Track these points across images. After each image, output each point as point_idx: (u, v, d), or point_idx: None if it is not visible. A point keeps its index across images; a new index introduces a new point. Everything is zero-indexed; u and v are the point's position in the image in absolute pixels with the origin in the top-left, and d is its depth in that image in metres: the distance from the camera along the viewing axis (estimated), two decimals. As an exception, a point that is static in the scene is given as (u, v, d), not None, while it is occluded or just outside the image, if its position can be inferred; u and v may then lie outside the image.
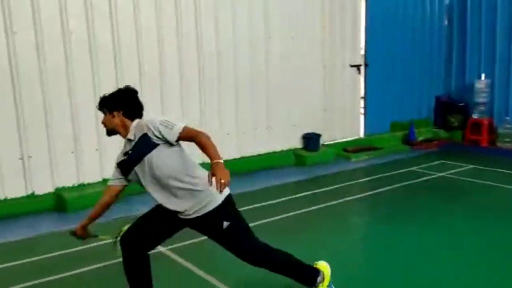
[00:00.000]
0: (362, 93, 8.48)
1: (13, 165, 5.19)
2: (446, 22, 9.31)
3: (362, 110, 8.55)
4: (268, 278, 3.14)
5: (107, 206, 2.88)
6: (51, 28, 5.23)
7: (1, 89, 5.04)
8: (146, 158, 2.59)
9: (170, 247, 3.96)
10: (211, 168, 2.32)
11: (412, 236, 4.33)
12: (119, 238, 2.80)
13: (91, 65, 5.54)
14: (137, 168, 2.66)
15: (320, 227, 4.61)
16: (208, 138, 2.50)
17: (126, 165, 2.70)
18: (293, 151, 7.49)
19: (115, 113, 2.73)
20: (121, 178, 2.79)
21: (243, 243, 2.76)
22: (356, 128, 8.46)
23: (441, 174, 6.63)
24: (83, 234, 2.96)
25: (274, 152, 7.29)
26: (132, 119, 2.73)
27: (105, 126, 2.82)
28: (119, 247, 2.79)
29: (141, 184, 2.72)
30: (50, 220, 5.06)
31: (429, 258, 3.78)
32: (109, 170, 6.00)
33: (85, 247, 3.90)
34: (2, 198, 5.18)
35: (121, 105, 2.73)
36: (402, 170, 6.89)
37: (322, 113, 7.85)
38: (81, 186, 5.60)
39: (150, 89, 5.90)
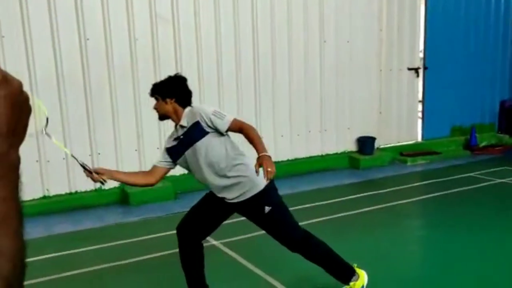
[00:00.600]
0: (420, 96, 8.33)
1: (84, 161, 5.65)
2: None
3: (420, 114, 8.39)
4: (316, 276, 3.25)
5: (143, 183, 2.96)
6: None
7: (75, 92, 5.53)
8: (196, 144, 2.78)
9: (222, 241, 4.17)
10: (259, 159, 2.49)
11: (461, 241, 4.25)
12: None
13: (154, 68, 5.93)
14: (187, 153, 2.85)
15: (371, 228, 4.64)
16: (255, 131, 2.68)
17: (177, 149, 2.89)
18: (347, 154, 7.50)
19: (168, 100, 2.88)
20: (169, 162, 2.97)
21: (283, 228, 2.88)
22: (413, 132, 8.31)
23: (503, 180, 6.38)
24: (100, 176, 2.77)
25: (327, 155, 7.35)
26: (183, 106, 2.91)
27: (157, 111, 2.96)
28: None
29: (188, 169, 2.92)
30: (115, 212, 5.48)
31: (477, 264, 3.72)
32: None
33: (147, 237, 4.21)
34: (74, 191, 5.67)
35: (174, 92, 2.88)
36: (460, 175, 6.69)
37: (378, 116, 7.80)
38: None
39: (208, 90, 6.18)
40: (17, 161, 0.56)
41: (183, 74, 6.41)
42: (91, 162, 5.69)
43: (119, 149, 5.82)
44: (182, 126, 2.87)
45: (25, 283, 0.56)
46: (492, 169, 6.99)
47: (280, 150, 6.62)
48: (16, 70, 4.96)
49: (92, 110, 5.62)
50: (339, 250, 3.05)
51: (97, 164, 5.71)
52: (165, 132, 6.05)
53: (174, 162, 2.96)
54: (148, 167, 5.96)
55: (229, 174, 2.79)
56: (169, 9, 5.93)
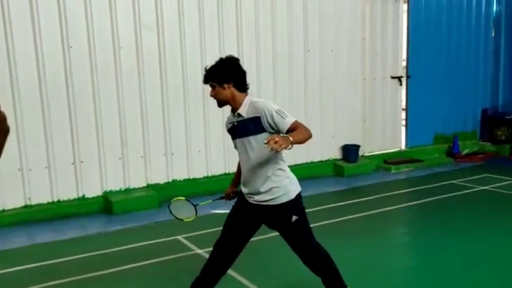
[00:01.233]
0: (403, 104, 8.44)
1: (66, 170, 5.60)
2: (493, 34, 9.11)
3: (404, 122, 8.50)
4: (301, 283, 3.23)
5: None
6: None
7: (58, 100, 5.48)
8: (249, 138, 2.74)
9: (206, 250, 4.14)
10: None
11: (445, 247, 4.30)
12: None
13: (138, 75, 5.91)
14: (238, 141, 2.82)
15: (355, 236, 4.66)
16: (308, 132, 2.61)
17: (232, 132, 2.87)
18: (332, 162, 7.55)
19: (225, 85, 2.76)
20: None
21: (305, 238, 2.87)
22: (397, 140, 8.41)
23: (484, 187, 6.48)
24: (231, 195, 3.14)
25: (312, 162, 7.38)
26: (241, 91, 2.82)
27: (215, 98, 2.84)
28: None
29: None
30: (98, 221, 5.41)
31: (463, 271, 3.75)
32: (153, 177, 6.29)
33: (131, 246, 4.16)
34: (56, 200, 5.58)
35: (231, 76, 2.77)
36: (443, 183, 6.79)
37: (362, 124, 7.87)
38: (127, 190, 5.94)
39: (194, 98, 6.18)
40: None
41: (167, 82, 6.47)
42: (74, 170, 5.63)
43: (103, 157, 5.77)
44: (239, 115, 2.78)
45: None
46: (474, 177, 7.10)
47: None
48: (-2, 78, 4.92)
49: (76, 118, 5.56)
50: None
51: (79, 173, 5.65)
52: (149, 140, 6.03)
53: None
54: (132, 175, 5.98)
55: (271, 176, 2.77)
56: (153, 17, 5.93)
